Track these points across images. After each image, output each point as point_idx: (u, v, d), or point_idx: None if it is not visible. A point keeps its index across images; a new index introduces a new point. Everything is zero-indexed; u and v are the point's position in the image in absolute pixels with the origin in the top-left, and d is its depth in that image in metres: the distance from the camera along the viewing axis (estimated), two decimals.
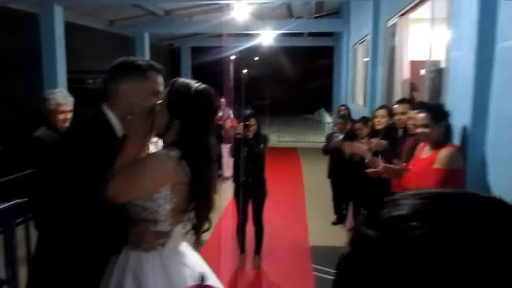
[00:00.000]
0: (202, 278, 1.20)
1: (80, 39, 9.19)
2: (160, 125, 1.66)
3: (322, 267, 4.45)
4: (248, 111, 4.38)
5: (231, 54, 20.23)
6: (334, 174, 5.84)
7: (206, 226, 1.74)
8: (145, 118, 1.65)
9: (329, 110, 16.97)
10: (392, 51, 5.42)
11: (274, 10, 10.53)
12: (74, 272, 1.60)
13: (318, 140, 14.75)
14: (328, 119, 16.09)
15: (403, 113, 3.53)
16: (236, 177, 4.43)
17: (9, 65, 9.02)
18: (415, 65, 5.49)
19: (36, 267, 1.78)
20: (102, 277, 1.65)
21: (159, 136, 1.75)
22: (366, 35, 6.91)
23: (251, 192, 4.39)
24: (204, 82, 1.73)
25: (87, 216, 1.55)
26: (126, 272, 1.63)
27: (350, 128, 5.71)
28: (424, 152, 2.63)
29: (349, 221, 5.69)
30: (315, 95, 23.81)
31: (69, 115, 3.12)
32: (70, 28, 6.87)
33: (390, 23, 5.40)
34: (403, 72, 5.16)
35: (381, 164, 2.87)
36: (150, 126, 1.67)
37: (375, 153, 3.60)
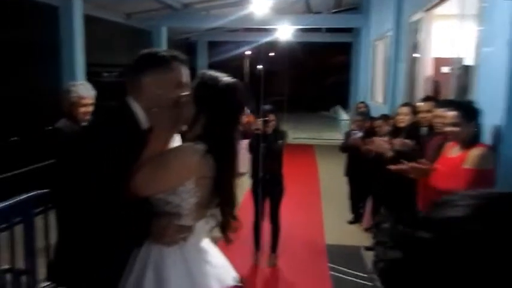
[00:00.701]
0: (242, 281, 1.17)
1: (96, 32, 9.25)
2: (188, 118, 1.64)
3: (338, 267, 4.41)
4: (267, 107, 4.33)
5: (248, 49, 20.21)
6: (351, 172, 5.78)
7: (234, 224, 1.72)
8: (171, 110, 1.63)
9: (345, 107, 16.82)
10: (415, 47, 5.31)
11: (293, 5, 10.45)
12: (95, 265, 1.59)
13: (334, 137, 14.66)
14: (344, 116, 15.96)
15: (428, 111, 3.45)
16: (254, 174, 4.40)
17: (29, 57, 9.15)
18: (437, 62, 5.39)
19: (57, 258, 1.77)
20: (124, 270, 1.64)
21: (183, 131, 1.72)
22: (387, 31, 6.79)
23: (268, 189, 4.35)
24: None
25: (110, 209, 1.53)
26: (147, 266, 1.62)
27: (369, 125, 5.64)
28: (453, 151, 2.56)
29: (366, 220, 5.63)
30: (330, 92, 23.66)
31: (90, 108, 3.13)
32: (86, 21, 6.90)
33: (414, 18, 5.30)
34: (426, 69, 5.05)
35: (406, 164, 2.81)
36: (175, 119, 1.65)
37: (399, 153, 3.53)
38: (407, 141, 3.58)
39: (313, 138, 14.41)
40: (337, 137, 14.67)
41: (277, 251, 4.55)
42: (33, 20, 8.88)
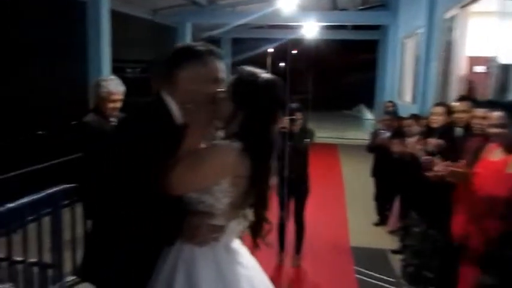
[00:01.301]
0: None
1: (120, 28, 9.30)
2: (224, 115, 1.58)
3: (364, 270, 4.31)
4: (294, 105, 4.26)
5: (271, 47, 20.10)
6: (378, 173, 5.66)
7: (265, 228, 1.65)
8: (207, 107, 1.58)
9: (369, 106, 16.57)
10: (448, 45, 5.14)
11: (319, 1, 10.31)
12: (123, 263, 1.56)
13: (358, 136, 14.44)
14: (368, 115, 15.73)
15: (464, 111, 3.31)
16: (279, 173, 4.33)
17: (56, 52, 9.29)
18: (470, 61, 5.22)
19: (86, 254, 1.75)
20: (153, 269, 1.60)
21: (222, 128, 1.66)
22: (418, 28, 6.62)
23: (293, 189, 4.28)
24: None
25: (141, 205, 1.49)
26: (177, 265, 1.58)
27: (398, 125, 5.51)
28: (495, 154, 2.42)
29: (392, 222, 5.50)
30: (353, 90, 23.38)
31: (119, 104, 3.12)
32: (112, 16, 6.91)
33: (448, 15, 5.12)
34: (460, 68, 4.88)
35: (443, 166, 2.69)
36: (211, 116, 1.59)
37: (431, 154, 3.41)
38: (440, 141, 3.44)
39: (337, 138, 14.23)
40: (361, 136, 14.45)
41: (302, 252, 4.47)
42: (60, 15, 9.01)
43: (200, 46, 1.63)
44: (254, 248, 1.71)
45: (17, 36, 8.49)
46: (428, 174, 2.72)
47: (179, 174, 1.49)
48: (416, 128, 4.39)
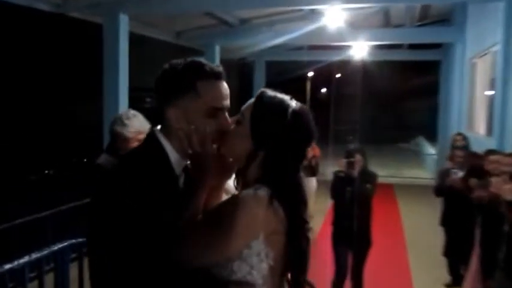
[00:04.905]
0: None
1: (140, 52, 9.51)
2: (240, 155, 1.44)
3: None
4: (353, 146, 4.44)
5: (311, 70, 20.19)
6: (450, 221, 5.41)
7: None
8: (210, 147, 1.44)
9: (431, 138, 16.17)
10: None
11: (368, 17, 10.27)
12: None
13: (417, 175, 14.04)
14: (429, 149, 15.32)
15: None
16: (337, 223, 4.41)
17: (68, 81, 9.59)
18: None
19: None
20: None
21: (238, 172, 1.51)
22: (493, 46, 6.40)
23: (353, 242, 4.30)
24: None
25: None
26: None
27: (473, 162, 5.25)
28: None
29: (470, 283, 5.14)
30: (411, 120, 23.06)
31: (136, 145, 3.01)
32: (130, 39, 7.01)
33: None
34: None
35: None
36: (219, 158, 1.45)
37: None
38: None
39: (392, 176, 13.84)
40: (421, 175, 14.05)
41: None
42: (74, 40, 9.35)
43: (187, 66, 1.46)
44: None
45: (23, 64, 8.83)
46: None
47: (196, 241, 1.35)
48: (506, 168, 4.13)
